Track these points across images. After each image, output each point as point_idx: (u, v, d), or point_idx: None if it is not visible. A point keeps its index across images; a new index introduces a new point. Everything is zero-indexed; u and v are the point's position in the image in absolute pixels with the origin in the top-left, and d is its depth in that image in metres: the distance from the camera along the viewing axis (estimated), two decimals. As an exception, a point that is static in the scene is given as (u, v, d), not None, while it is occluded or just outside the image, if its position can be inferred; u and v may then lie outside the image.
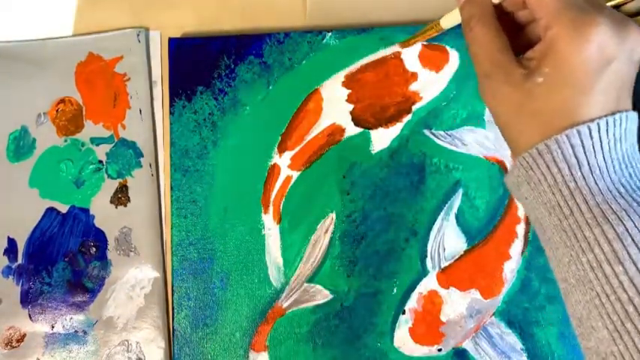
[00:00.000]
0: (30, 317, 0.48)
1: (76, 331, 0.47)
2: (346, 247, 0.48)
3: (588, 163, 0.28)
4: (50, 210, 0.49)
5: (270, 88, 0.49)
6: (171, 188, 0.48)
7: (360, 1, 0.52)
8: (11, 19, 0.52)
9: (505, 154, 0.48)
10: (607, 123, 0.27)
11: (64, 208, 0.49)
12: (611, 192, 0.28)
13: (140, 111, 0.50)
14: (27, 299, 0.48)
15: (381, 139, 0.49)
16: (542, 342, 0.46)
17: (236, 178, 0.48)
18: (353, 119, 0.49)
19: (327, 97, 0.49)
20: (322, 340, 0.47)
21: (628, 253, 0.26)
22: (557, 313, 0.46)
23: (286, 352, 0.46)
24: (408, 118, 0.49)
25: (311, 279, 0.47)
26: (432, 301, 0.47)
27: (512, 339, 0.46)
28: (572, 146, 0.28)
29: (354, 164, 0.49)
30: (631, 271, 0.26)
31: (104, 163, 0.50)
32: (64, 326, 0.47)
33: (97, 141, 0.50)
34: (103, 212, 0.49)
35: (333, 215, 0.48)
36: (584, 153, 0.28)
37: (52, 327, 0.47)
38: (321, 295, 0.47)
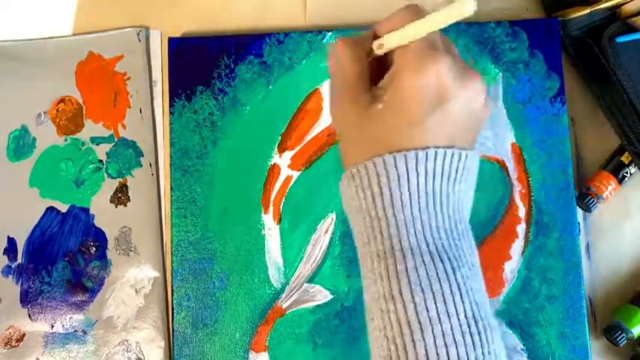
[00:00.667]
0: (29, 317, 0.47)
1: (75, 331, 0.47)
2: (346, 247, 0.48)
3: (391, 194, 0.28)
4: (50, 209, 0.49)
5: (270, 87, 0.49)
6: (171, 188, 0.48)
7: (360, 1, 0.52)
8: (11, 19, 0.53)
9: (505, 154, 0.48)
10: (417, 156, 0.27)
11: (64, 208, 0.49)
12: (406, 226, 0.27)
13: (140, 110, 0.50)
14: (27, 299, 0.48)
15: (381, 139, 0.49)
16: (543, 342, 0.46)
17: (236, 178, 0.48)
18: (353, 119, 0.49)
19: (327, 97, 0.49)
20: (322, 340, 0.47)
21: (400, 292, 0.26)
22: (558, 313, 0.46)
23: (286, 352, 0.46)
24: (408, 118, 0.49)
25: (311, 279, 0.47)
26: (432, 302, 0.47)
27: (513, 339, 0.46)
28: (377, 175, 0.28)
29: (354, 164, 0.48)
30: (400, 312, 0.26)
31: (104, 162, 0.50)
32: (63, 326, 0.47)
33: (97, 140, 0.50)
34: (103, 212, 0.49)
35: (333, 215, 0.48)
36: (388, 182, 0.28)
37: (52, 326, 0.47)
38: (321, 295, 0.47)
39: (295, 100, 0.49)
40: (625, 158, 0.48)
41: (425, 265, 0.27)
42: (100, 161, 0.50)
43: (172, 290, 0.47)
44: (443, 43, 0.29)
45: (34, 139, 0.50)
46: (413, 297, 0.26)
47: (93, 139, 0.50)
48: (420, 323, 0.26)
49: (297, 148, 0.49)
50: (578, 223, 0.48)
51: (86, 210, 0.49)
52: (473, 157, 0.29)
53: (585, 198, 0.48)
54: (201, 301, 0.47)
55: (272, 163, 0.49)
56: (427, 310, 0.26)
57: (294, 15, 0.52)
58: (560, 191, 0.48)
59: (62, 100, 0.50)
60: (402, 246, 0.27)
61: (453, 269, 0.27)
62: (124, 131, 0.50)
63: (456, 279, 0.27)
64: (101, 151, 0.50)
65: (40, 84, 0.50)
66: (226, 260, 0.47)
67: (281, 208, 0.48)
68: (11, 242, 0.48)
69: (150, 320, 0.47)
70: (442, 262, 0.27)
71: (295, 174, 0.49)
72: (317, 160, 0.49)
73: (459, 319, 0.26)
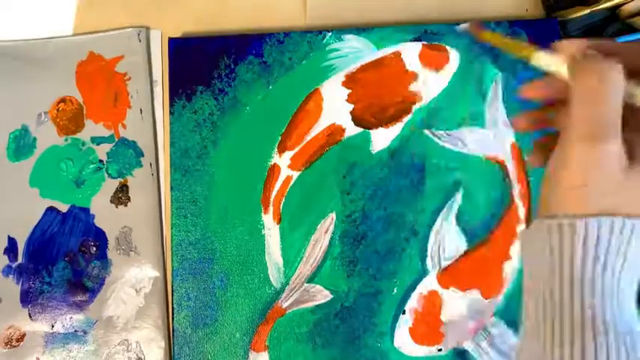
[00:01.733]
0: (30, 316, 0.48)
1: (75, 331, 0.47)
2: (346, 247, 0.48)
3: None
4: (50, 209, 0.49)
5: (270, 88, 0.49)
6: (171, 188, 0.48)
7: (360, 1, 0.52)
8: (11, 19, 0.53)
9: (505, 154, 0.48)
10: None
11: (64, 208, 0.49)
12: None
13: (141, 110, 0.50)
14: (27, 298, 0.48)
15: (381, 139, 0.49)
16: (543, 342, 0.46)
17: (236, 178, 0.48)
18: (353, 119, 0.49)
19: (327, 97, 0.49)
20: (322, 340, 0.47)
21: None
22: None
23: (286, 352, 0.46)
24: (408, 118, 0.49)
25: (311, 279, 0.47)
26: (432, 301, 0.47)
27: (513, 339, 0.46)
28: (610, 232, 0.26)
29: (354, 164, 0.49)
30: None
31: (104, 162, 0.50)
32: (63, 326, 0.47)
33: (97, 140, 0.50)
34: (103, 212, 0.49)
35: (333, 215, 0.48)
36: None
37: (52, 326, 0.47)
38: (321, 295, 0.47)
39: (295, 100, 0.49)
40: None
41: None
42: (101, 161, 0.50)
43: (172, 290, 0.47)
44: None
45: (35, 139, 0.50)
46: None
47: (93, 139, 0.50)
48: None
49: (297, 148, 0.49)
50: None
51: (86, 210, 0.49)
52: None
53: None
54: (201, 300, 0.47)
55: (272, 163, 0.49)
56: None
57: (294, 15, 0.52)
58: (559, 191, 0.48)
59: (63, 100, 0.50)
60: (605, 319, 0.25)
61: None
62: (125, 131, 0.50)
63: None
64: (101, 151, 0.50)
65: (41, 84, 0.50)
66: (226, 260, 0.47)
67: (281, 208, 0.48)
68: (12, 242, 0.48)
69: (150, 320, 0.47)
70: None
71: (295, 174, 0.49)
72: (317, 160, 0.49)
73: None
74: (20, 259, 0.48)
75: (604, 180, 0.26)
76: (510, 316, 0.47)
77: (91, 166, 0.50)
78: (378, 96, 0.49)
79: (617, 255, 0.26)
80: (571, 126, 0.27)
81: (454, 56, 0.49)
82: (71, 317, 0.47)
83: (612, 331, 0.25)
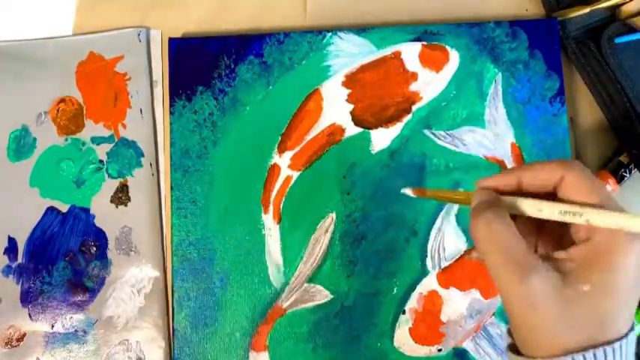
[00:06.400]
0: (30, 316, 0.48)
1: (76, 331, 0.47)
2: (346, 247, 0.48)
3: None
4: (50, 209, 0.49)
5: (270, 88, 0.50)
6: (172, 188, 0.48)
7: (360, 1, 0.52)
8: (11, 19, 0.53)
9: (505, 154, 0.48)
10: (623, 345, 0.26)
11: (64, 208, 0.49)
12: None
13: (141, 110, 0.50)
14: (27, 298, 0.48)
15: (381, 139, 0.49)
16: (542, 342, 0.46)
17: (236, 178, 0.48)
18: (353, 119, 0.49)
19: (327, 97, 0.49)
20: (322, 340, 0.47)
21: None
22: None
23: (286, 352, 0.46)
24: (408, 118, 0.49)
25: (311, 279, 0.47)
26: (432, 301, 0.47)
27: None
28: None
29: (354, 164, 0.49)
30: None
31: (105, 162, 0.50)
32: (63, 325, 0.47)
33: (97, 140, 0.50)
34: (103, 212, 0.49)
35: (333, 215, 0.48)
36: None
37: (52, 326, 0.47)
38: (321, 295, 0.47)
39: (295, 100, 0.49)
40: (624, 158, 0.48)
41: None
42: (101, 161, 0.50)
43: (172, 290, 0.47)
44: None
45: (35, 139, 0.50)
46: None
47: (93, 139, 0.50)
48: None
49: (297, 148, 0.49)
50: (578, 223, 0.48)
51: (87, 210, 0.49)
52: None
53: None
54: (201, 300, 0.47)
55: (272, 163, 0.49)
56: None
57: (294, 15, 0.52)
58: (559, 191, 0.48)
59: (63, 100, 0.50)
60: None
61: None
62: (125, 131, 0.50)
63: None
64: (102, 151, 0.50)
65: (41, 84, 0.50)
66: (226, 260, 0.47)
67: (281, 208, 0.48)
68: (12, 242, 0.48)
69: (150, 320, 0.47)
70: None
71: (295, 174, 0.49)
72: (317, 160, 0.49)
73: None
74: (20, 259, 0.48)
75: (542, 317, 0.26)
76: (510, 316, 0.47)
77: (91, 166, 0.50)
78: (378, 96, 0.49)
79: None
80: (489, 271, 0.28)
81: (454, 56, 0.50)
82: (71, 317, 0.47)
83: None
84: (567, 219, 0.27)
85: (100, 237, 0.49)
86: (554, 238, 0.30)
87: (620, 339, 0.25)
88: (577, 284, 0.26)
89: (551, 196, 0.28)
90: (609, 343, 0.25)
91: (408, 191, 0.35)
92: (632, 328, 0.26)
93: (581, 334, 0.26)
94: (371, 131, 0.49)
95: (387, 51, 0.50)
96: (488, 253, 0.27)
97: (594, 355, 0.25)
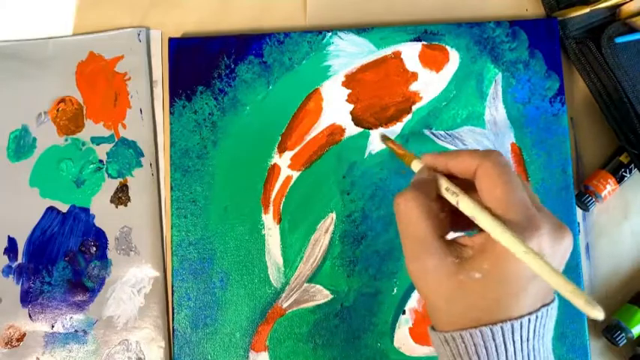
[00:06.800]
0: (30, 316, 0.48)
1: (75, 331, 0.47)
2: (346, 247, 0.48)
3: None
4: (50, 209, 0.49)
5: (270, 88, 0.50)
6: (171, 188, 0.48)
7: (360, 1, 0.52)
8: (12, 19, 0.53)
9: (505, 154, 0.48)
10: (515, 325, 0.27)
11: (64, 208, 0.49)
12: None
13: (141, 110, 0.50)
14: (27, 298, 0.48)
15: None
16: (542, 342, 0.46)
17: (236, 178, 0.48)
18: (353, 119, 0.49)
19: (327, 97, 0.49)
20: (322, 340, 0.47)
21: None
22: (557, 314, 0.46)
23: (286, 352, 0.46)
24: (408, 118, 0.49)
25: (311, 279, 0.47)
26: (432, 301, 0.47)
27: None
28: (474, 345, 0.27)
29: (354, 164, 0.49)
30: None
31: (104, 162, 0.50)
32: (63, 326, 0.47)
33: (97, 140, 0.50)
34: (103, 212, 0.49)
35: (333, 215, 0.48)
36: (487, 354, 0.27)
37: (52, 326, 0.47)
38: (321, 295, 0.47)
39: (295, 100, 0.49)
40: (624, 158, 0.48)
41: None
42: (101, 161, 0.50)
43: (172, 290, 0.47)
44: (530, 197, 0.28)
45: (35, 139, 0.50)
46: None
47: (93, 139, 0.50)
48: None
49: (297, 148, 0.49)
50: (578, 224, 0.48)
51: (86, 210, 0.49)
52: (556, 302, 0.29)
53: (583, 196, 0.48)
54: (201, 300, 0.47)
55: (272, 163, 0.49)
56: None
57: (294, 15, 0.52)
58: (559, 191, 0.48)
59: (63, 100, 0.50)
60: None
61: None
62: (125, 131, 0.50)
63: None
64: (101, 151, 0.50)
65: (41, 84, 0.50)
66: (226, 260, 0.47)
67: (281, 208, 0.48)
68: (12, 242, 0.49)
69: (150, 320, 0.47)
70: None
71: (295, 174, 0.49)
72: (317, 160, 0.49)
73: None
74: (20, 259, 0.48)
75: (434, 296, 0.29)
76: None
77: (91, 166, 0.50)
78: (378, 96, 0.49)
79: (496, 353, 0.27)
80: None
81: (454, 56, 0.50)
82: (71, 317, 0.47)
83: None
84: (448, 197, 0.29)
85: (100, 237, 0.49)
86: (469, 222, 0.31)
87: (505, 321, 0.27)
88: (470, 271, 0.27)
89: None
90: (494, 323, 0.27)
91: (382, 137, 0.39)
92: (530, 313, 0.28)
93: (471, 316, 0.28)
94: (371, 131, 0.49)
95: (387, 51, 0.50)
96: (400, 229, 0.30)
97: (480, 332, 0.27)
